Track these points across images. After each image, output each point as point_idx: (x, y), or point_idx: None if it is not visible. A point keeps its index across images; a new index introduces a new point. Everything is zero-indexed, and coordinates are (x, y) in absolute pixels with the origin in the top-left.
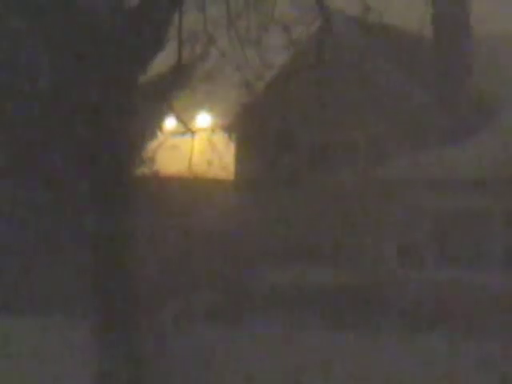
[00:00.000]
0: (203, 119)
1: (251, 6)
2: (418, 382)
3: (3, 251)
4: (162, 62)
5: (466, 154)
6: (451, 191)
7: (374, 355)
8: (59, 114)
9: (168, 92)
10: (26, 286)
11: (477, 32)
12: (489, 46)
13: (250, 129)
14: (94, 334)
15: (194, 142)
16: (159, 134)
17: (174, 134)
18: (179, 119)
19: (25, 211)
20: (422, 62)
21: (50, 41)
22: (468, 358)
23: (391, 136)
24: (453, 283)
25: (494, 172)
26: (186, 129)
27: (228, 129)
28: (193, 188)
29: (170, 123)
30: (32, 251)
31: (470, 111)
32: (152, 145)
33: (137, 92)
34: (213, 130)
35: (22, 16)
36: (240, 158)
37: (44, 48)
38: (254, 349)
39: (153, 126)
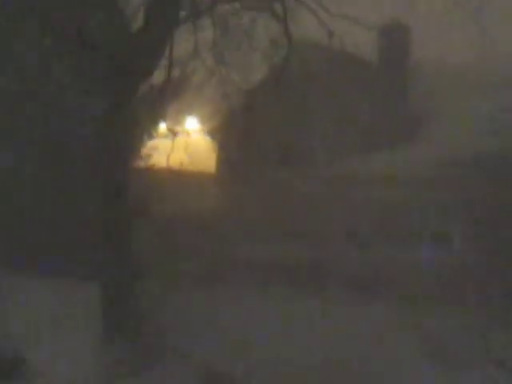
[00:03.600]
0: (191, 123)
1: (233, 33)
2: (358, 334)
3: (27, 225)
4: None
5: (402, 156)
6: (389, 186)
7: (323, 312)
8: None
9: (161, 101)
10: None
11: (415, 59)
12: (425, 71)
13: (230, 132)
14: (102, 293)
15: (185, 141)
16: (154, 135)
17: (167, 135)
18: (170, 123)
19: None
20: (370, 82)
21: (68, 58)
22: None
23: (343, 142)
24: (388, 259)
25: (425, 171)
26: (176, 131)
27: (211, 132)
28: (180, 179)
29: (163, 126)
30: (52, 227)
31: (407, 122)
32: (148, 143)
33: (137, 101)
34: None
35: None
36: (220, 156)
37: (61, 63)
38: (228, 305)
39: (149, 128)
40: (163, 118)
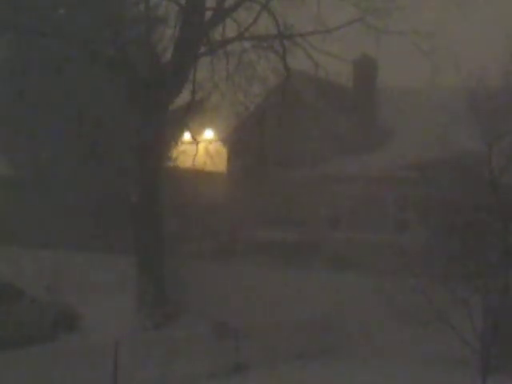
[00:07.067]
0: (208, 134)
1: (241, 65)
2: (335, 298)
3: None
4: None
5: (371, 160)
6: (361, 183)
7: (310, 283)
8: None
9: (186, 116)
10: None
11: (383, 85)
12: (388, 94)
13: (238, 141)
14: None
15: (201, 148)
16: (180, 142)
17: (190, 142)
18: (192, 133)
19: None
20: (347, 103)
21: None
22: (367, 287)
23: (328, 148)
24: (362, 240)
25: (389, 172)
26: (197, 140)
27: (224, 141)
28: (199, 176)
29: (187, 136)
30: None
31: (375, 134)
32: (175, 149)
33: (167, 117)
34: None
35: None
36: (231, 159)
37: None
38: (236, 276)
39: (177, 137)
40: (188, 129)
